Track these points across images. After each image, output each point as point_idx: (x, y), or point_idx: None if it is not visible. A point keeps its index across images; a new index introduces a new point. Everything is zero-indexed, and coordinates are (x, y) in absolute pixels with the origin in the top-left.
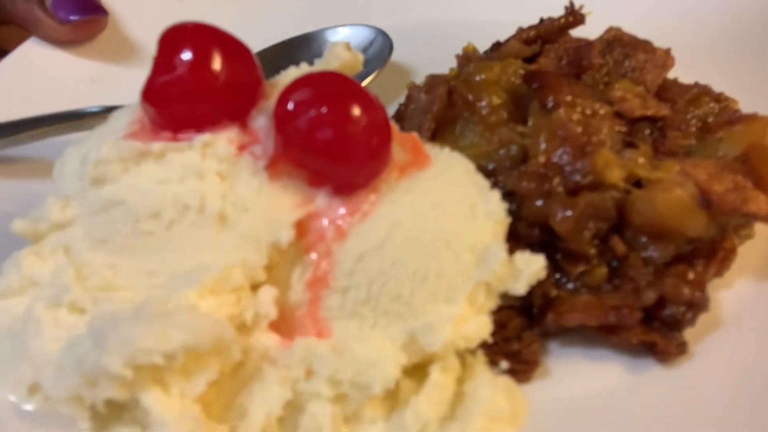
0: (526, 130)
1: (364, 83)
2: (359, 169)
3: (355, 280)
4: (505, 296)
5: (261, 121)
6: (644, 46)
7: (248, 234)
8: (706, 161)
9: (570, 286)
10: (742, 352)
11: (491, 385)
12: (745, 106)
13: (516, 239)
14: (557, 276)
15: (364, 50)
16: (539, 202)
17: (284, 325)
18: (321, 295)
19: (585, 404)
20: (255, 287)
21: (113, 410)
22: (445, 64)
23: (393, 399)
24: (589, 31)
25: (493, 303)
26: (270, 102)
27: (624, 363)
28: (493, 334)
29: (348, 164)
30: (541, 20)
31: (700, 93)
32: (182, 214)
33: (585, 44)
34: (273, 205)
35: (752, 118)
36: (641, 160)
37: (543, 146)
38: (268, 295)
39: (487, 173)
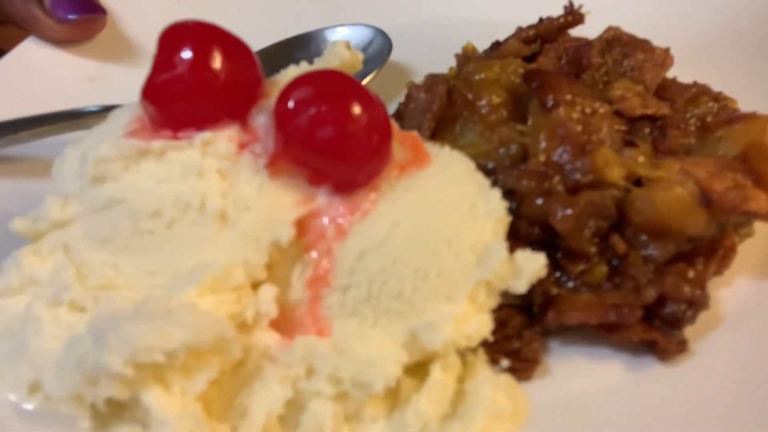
0: (525, 128)
1: (363, 83)
2: (360, 167)
3: (356, 278)
4: (505, 295)
5: (261, 119)
6: (643, 45)
7: (249, 232)
8: (705, 160)
9: (570, 284)
10: (742, 350)
11: (492, 384)
12: (744, 105)
13: (516, 238)
14: (558, 274)
15: (364, 49)
16: (539, 201)
17: (285, 323)
18: (321, 294)
19: (585, 402)
20: (255, 286)
21: (114, 409)
22: (444, 63)
23: (394, 397)
24: (588, 30)
25: (494, 301)
26: (270, 100)
27: (624, 361)
28: (494, 332)
29: (348, 162)
30: (541, 20)
31: (699, 92)
32: (183, 212)
33: (584, 43)
34: (273, 204)
35: (751, 117)
36: (641, 158)
37: (543, 145)
38: (268, 293)
39: (487, 172)
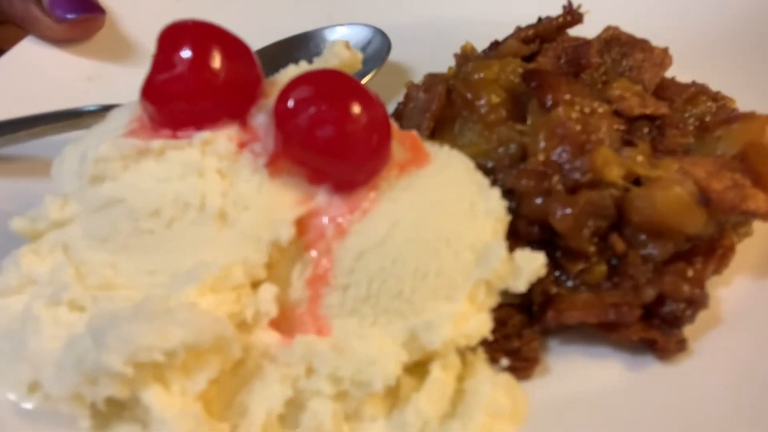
0: (525, 128)
1: (362, 82)
2: (359, 166)
3: (355, 277)
4: (505, 294)
5: (261, 118)
6: (642, 45)
7: (248, 232)
8: (704, 159)
9: (570, 283)
10: (741, 349)
11: (492, 383)
12: (742, 105)
13: (516, 237)
14: (557, 274)
15: (363, 49)
16: (539, 200)
17: (284, 322)
18: (321, 293)
19: (585, 401)
20: (255, 285)
21: (114, 408)
22: (443, 63)
23: (394, 396)
24: (587, 30)
25: (494, 301)
26: (270, 100)
27: (623, 360)
28: (494, 331)
29: (348, 162)
30: (540, 19)
31: (698, 92)
32: (182, 212)
33: (583, 43)
34: (273, 203)
35: (750, 116)
36: (640, 158)
37: (542, 144)
38: (268, 292)
39: (486, 171)
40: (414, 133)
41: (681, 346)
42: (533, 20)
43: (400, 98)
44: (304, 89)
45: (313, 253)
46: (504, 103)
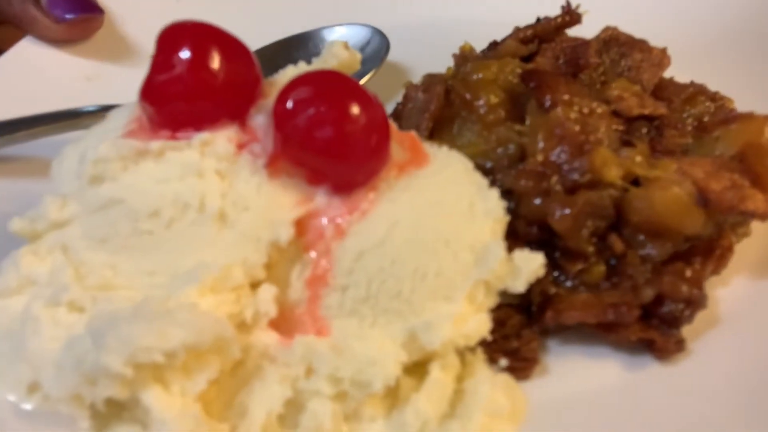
0: (523, 128)
1: (361, 82)
2: (358, 167)
3: (355, 278)
4: (504, 294)
5: (260, 119)
6: (640, 45)
7: (248, 232)
8: (703, 160)
9: (568, 284)
10: (739, 349)
11: (491, 383)
12: (741, 105)
13: (515, 237)
14: (556, 274)
15: (361, 49)
16: (537, 201)
17: (284, 323)
18: (320, 294)
19: (584, 401)
20: (255, 286)
21: (113, 409)
22: (442, 63)
23: (393, 397)
24: (585, 30)
25: (492, 301)
26: (269, 100)
27: (622, 360)
28: (493, 331)
29: (347, 162)
30: (538, 19)
31: (696, 92)
32: (182, 212)
33: (582, 43)
34: (272, 204)
35: (748, 117)
36: (639, 158)
37: (541, 145)
38: (267, 293)
39: (485, 172)
40: (413, 133)
41: (679, 346)
42: (532, 20)
43: (399, 98)
44: (303, 90)
45: (313, 254)
46: (503, 104)
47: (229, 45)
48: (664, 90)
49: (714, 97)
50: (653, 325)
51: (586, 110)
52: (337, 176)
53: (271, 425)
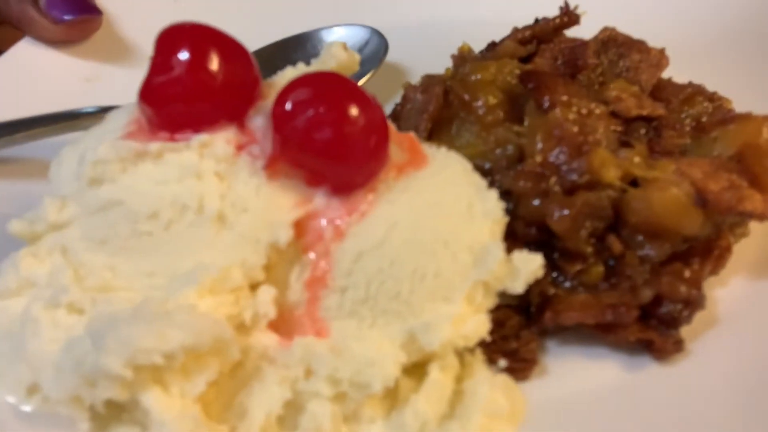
0: (522, 129)
1: (359, 83)
2: (357, 168)
3: (354, 279)
4: (503, 295)
5: (258, 121)
6: (639, 45)
7: (247, 234)
8: (701, 160)
9: (567, 284)
10: (738, 350)
11: (490, 384)
12: (739, 106)
13: (513, 238)
14: (554, 275)
15: (360, 50)
16: (536, 202)
17: (283, 324)
18: (319, 295)
19: (582, 402)
20: (254, 287)
21: (113, 411)
22: (440, 64)
23: (392, 398)
24: (583, 31)
25: (491, 302)
26: (267, 102)
27: (621, 361)
28: (492, 332)
29: (346, 164)
30: (536, 20)
31: (694, 92)
32: (181, 214)
33: (580, 44)
34: (271, 205)
35: (746, 117)
36: (637, 159)
37: (539, 146)
38: (266, 294)
39: (484, 173)
40: (412, 134)
41: (678, 346)
42: (530, 21)
43: (398, 99)
44: (302, 92)
45: (312, 255)
46: (501, 105)
47: (228, 46)
48: (662, 90)
49: (712, 97)
50: (652, 326)
51: (584, 111)
52: (336, 178)
53: (270, 426)
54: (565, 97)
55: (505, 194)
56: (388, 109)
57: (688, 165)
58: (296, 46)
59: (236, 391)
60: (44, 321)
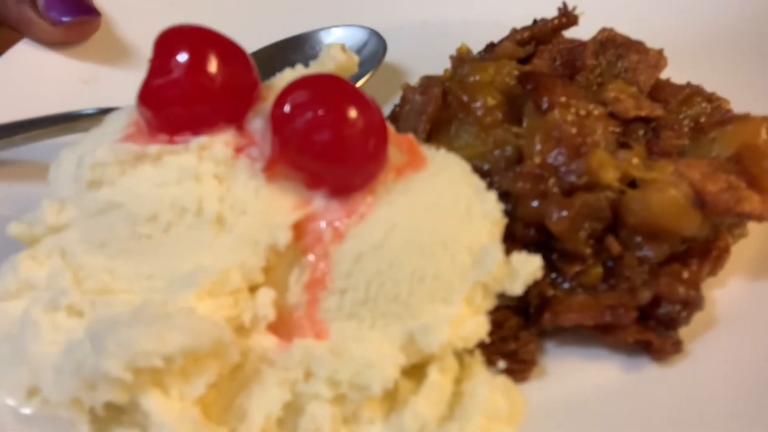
0: (520, 131)
1: (358, 84)
2: (356, 170)
3: (353, 281)
4: (501, 296)
5: (257, 123)
6: (637, 46)
7: (246, 236)
8: (699, 161)
9: (566, 285)
10: (736, 350)
11: (489, 385)
12: (737, 106)
13: (512, 240)
14: (553, 276)
15: (358, 51)
16: (535, 203)
17: (282, 326)
18: (319, 297)
19: (581, 403)
20: (253, 289)
21: (112, 413)
22: (439, 65)
23: (392, 399)
24: (582, 32)
25: (490, 303)
26: (266, 104)
27: (620, 362)
28: (491, 334)
29: (345, 166)
30: (535, 21)
31: (693, 93)
32: (180, 216)
33: (578, 45)
34: (270, 208)
35: (744, 118)
36: (635, 160)
37: (538, 147)
38: (266, 297)
39: (483, 174)
40: (410, 136)
41: (676, 347)
42: (528, 22)
43: (396, 100)
44: (301, 94)
45: (311, 257)
46: (500, 106)
47: (227, 49)
48: (660, 91)
49: (710, 98)
50: (650, 327)
51: (582, 112)
52: (335, 180)
53: (270, 428)
54: (563, 99)
55: (504, 195)
56: (386, 110)
57: (686, 166)
58: (295, 47)
59: (236, 393)
60: (44, 324)
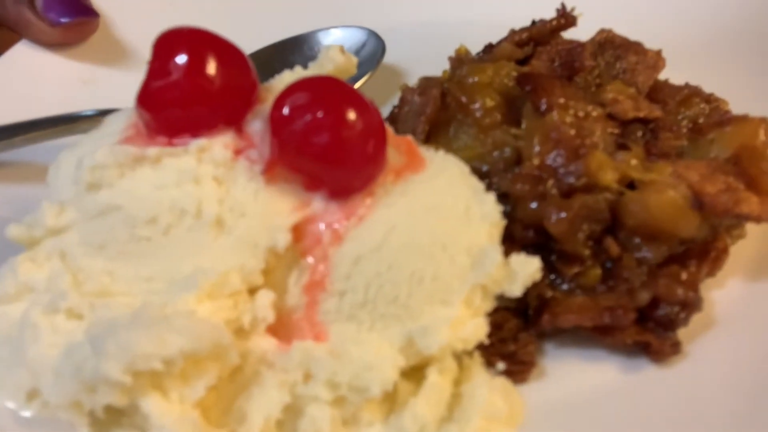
0: (519, 132)
1: (356, 85)
2: (355, 172)
3: (352, 283)
4: (500, 298)
5: (256, 125)
6: (635, 47)
7: (245, 238)
8: (698, 162)
9: (565, 287)
10: (735, 351)
11: (488, 386)
12: (735, 107)
13: (511, 241)
14: (552, 277)
15: (357, 52)
16: (533, 205)
17: (282, 328)
18: (318, 299)
19: (581, 404)
20: (252, 291)
21: (112, 416)
22: (437, 66)
23: (391, 401)
24: (580, 33)
25: (489, 305)
26: (265, 106)
27: (619, 363)
28: (490, 335)
29: (344, 168)
30: (533, 22)
31: (691, 94)
32: (179, 219)
33: (577, 46)
34: (269, 210)
35: (743, 119)
36: (634, 161)
37: (537, 149)
38: (265, 299)
39: (481, 175)
40: (409, 138)
41: (675, 348)
42: (527, 23)
43: (395, 101)
44: (300, 96)
45: (310, 260)
46: (498, 107)
47: (226, 51)
48: (658, 92)
49: (709, 98)
50: (649, 328)
51: (581, 114)
52: (334, 182)
53: (269, 431)
54: (562, 100)
55: (503, 197)
56: (385, 111)
57: (684, 167)
58: (293, 48)
59: (235, 395)
60: (43, 326)
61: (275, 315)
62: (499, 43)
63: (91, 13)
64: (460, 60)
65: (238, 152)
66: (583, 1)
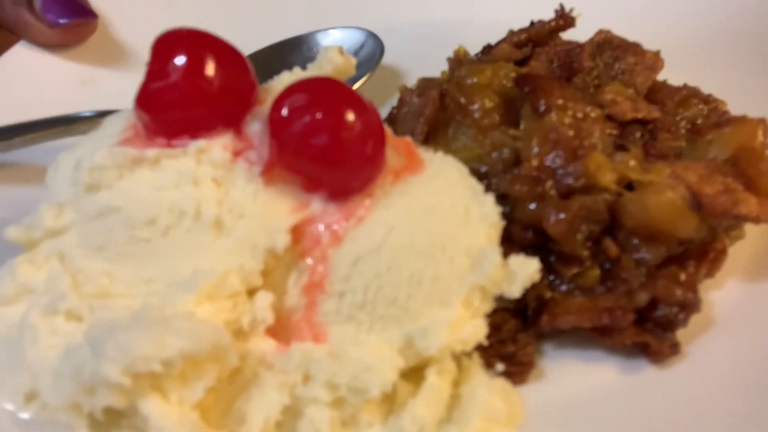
0: (518, 133)
1: (355, 86)
2: (354, 174)
3: (351, 284)
4: (499, 299)
5: (255, 126)
6: (634, 48)
7: (244, 240)
8: (696, 163)
9: (564, 288)
10: (734, 352)
11: (487, 387)
12: (734, 108)
13: (510, 242)
14: (551, 278)
15: (356, 53)
16: (532, 206)
17: (281, 330)
18: (317, 300)
19: (580, 405)
20: (251, 293)
21: (111, 417)
22: (436, 66)
23: (390, 402)
24: (579, 33)
25: (488, 306)
26: (264, 107)
27: (617, 364)
28: (489, 336)
29: (343, 169)
30: (532, 23)
31: (689, 95)
32: (178, 220)
33: (575, 47)
34: (268, 211)
35: (741, 120)
36: (632, 162)
37: (535, 150)
38: (264, 300)
39: (480, 176)
40: (408, 139)
41: (674, 349)
42: (526, 24)
43: (393, 102)
44: (299, 97)
45: (309, 261)
46: (497, 108)
47: (224, 52)
48: (657, 93)
49: (707, 99)
50: (648, 329)
51: (580, 115)
52: (333, 183)
53: None
54: (560, 101)
55: (502, 198)
56: (384, 112)
57: (683, 168)
58: (292, 49)
59: (235, 397)
60: (42, 328)
61: (274, 316)
62: (498, 44)
63: (89, 14)
64: (459, 61)
65: (237, 153)
66: (582, 2)
